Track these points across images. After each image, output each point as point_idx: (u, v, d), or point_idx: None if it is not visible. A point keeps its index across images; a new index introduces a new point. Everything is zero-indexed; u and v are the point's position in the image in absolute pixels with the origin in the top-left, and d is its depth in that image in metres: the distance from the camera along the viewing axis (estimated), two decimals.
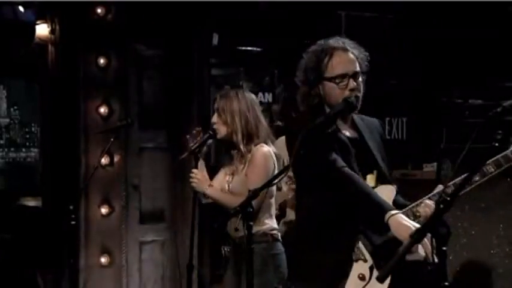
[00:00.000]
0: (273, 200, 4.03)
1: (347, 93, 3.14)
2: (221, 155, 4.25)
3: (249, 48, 6.01)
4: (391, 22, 5.38)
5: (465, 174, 2.62)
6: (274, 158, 3.98)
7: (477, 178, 2.99)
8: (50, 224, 5.62)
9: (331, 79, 3.15)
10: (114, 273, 5.53)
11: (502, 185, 4.65)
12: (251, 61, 6.21)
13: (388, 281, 2.96)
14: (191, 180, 3.96)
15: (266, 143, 3.99)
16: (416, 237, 2.28)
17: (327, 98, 3.20)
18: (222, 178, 4.07)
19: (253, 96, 4.15)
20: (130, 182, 5.56)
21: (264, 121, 4.08)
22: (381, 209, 2.98)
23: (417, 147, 5.86)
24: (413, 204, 3.09)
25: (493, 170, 3.01)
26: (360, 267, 3.06)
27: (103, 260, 5.52)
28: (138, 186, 5.59)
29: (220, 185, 4.07)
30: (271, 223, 4.01)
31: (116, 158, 5.52)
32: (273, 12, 5.69)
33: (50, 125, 5.81)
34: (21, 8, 5.87)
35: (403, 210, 3.06)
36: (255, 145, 3.94)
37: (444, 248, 2.45)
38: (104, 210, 5.52)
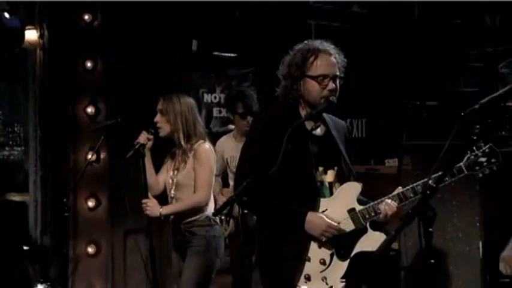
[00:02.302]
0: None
1: (326, 93, 3.48)
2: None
3: (223, 53, 6.41)
4: (355, 31, 5.90)
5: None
6: (214, 153, 4.56)
7: (447, 179, 3.29)
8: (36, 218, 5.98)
9: (314, 77, 3.47)
10: (101, 262, 5.93)
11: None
12: (224, 65, 6.67)
13: (345, 266, 3.41)
14: (144, 209, 4.48)
15: (204, 140, 4.52)
16: (406, 219, 2.70)
17: (305, 94, 3.51)
18: (165, 174, 4.60)
19: (192, 100, 4.67)
20: (116, 176, 5.95)
21: (201, 121, 4.64)
22: (294, 215, 3.40)
23: (377, 145, 6.37)
24: (375, 202, 3.45)
25: (447, 179, 3.30)
26: (322, 253, 3.42)
27: (90, 249, 5.91)
28: (123, 179, 5.97)
29: (164, 180, 4.60)
30: (211, 209, 4.56)
31: (102, 155, 5.90)
32: (247, 20, 6.14)
33: (38, 124, 6.13)
34: (6, 14, 6.18)
35: (365, 206, 3.45)
36: (195, 142, 4.47)
37: (430, 229, 2.78)
38: (90, 203, 5.91)
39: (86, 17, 5.90)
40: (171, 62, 6.04)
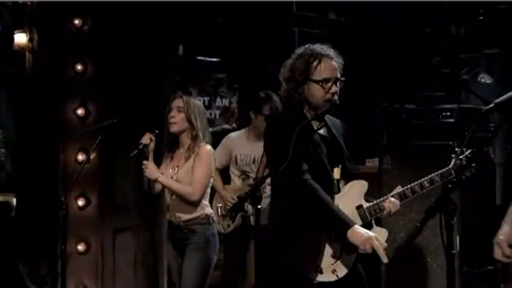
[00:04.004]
0: (209, 190, 4.79)
1: (329, 96, 3.66)
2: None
3: (207, 58, 6.65)
4: (336, 38, 6.22)
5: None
6: (214, 156, 4.79)
7: (427, 185, 3.73)
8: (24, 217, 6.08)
9: (317, 81, 3.64)
10: (91, 260, 6.07)
11: None
12: (204, 70, 6.91)
13: (353, 259, 3.64)
14: (143, 169, 4.65)
15: (208, 143, 4.76)
16: (430, 212, 2.92)
17: (309, 97, 3.67)
18: (165, 171, 4.77)
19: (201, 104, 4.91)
20: (106, 176, 6.13)
21: (208, 125, 4.87)
22: (342, 223, 3.51)
23: (355, 146, 6.69)
24: (379, 200, 3.71)
25: (438, 180, 3.73)
26: (333, 247, 3.61)
27: (79, 247, 6.04)
28: (112, 179, 6.16)
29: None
30: (209, 208, 4.80)
31: (92, 155, 6.05)
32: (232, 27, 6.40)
33: (26, 126, 6.24)
34: None
35: (372, 204, 3.70)
36: (201, 144, 4.69)
37: (452, 222, 2.96)
38: (80, 202, 6.04)
39: (76, 21, 6.05)
40: (159, 65, 6.23)
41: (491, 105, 3.09)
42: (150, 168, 4.63)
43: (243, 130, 5.79)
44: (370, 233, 3.52)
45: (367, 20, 6.62)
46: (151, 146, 4.71)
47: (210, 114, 7.32)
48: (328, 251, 3.63)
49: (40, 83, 6.07)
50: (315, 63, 3.67)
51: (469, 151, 3.60)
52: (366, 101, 6.63)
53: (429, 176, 3.75)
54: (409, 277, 5.63)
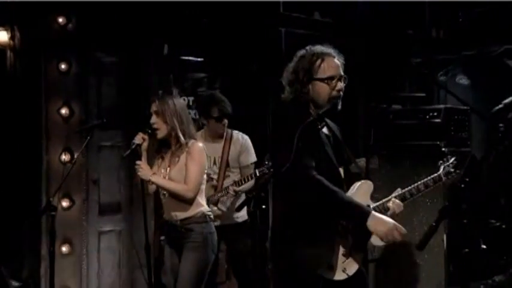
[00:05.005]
0: (203, 187, 4.77)
1: (335, 93, 3.69)
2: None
3: (191, 58, 6.61)
4: (322, 38, 6.25)
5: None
6: (205, 152, 4.75)
7: (423, 188, 3.85)
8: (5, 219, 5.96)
9: (323, 80, 3.67)
10: (75, 261, 5.98)
11: None
12: (187, 69, 6.87)
13: (361, 258, 3.70)
14: (136, 169, 4.60)
15: (196, 139, 4.73)
16: (444, 212, 3.00)
17: (315, 96, 3.69)
18: (157, 172, 4.72)
19: (183, 100, 4.89)
20: (91, 177, 6.05)
21: (191, 121, 4.83)
22: (360, 210, 3.56)
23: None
24: (384, 200, 3.77)
25: (431, 184, 3.87)
26: (344, 246, 3.65)
27: (64, 249, 5.94)
28: (97, 180, 6.09)
29: None
30: (206, 206, 4.77)
31: (76, 155, 5.96)
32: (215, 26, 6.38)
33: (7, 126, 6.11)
34: None
35: (378, 204, 3.75)
36: (189, 141, 4.66)
37: (465, 221, 3.12)
38: (64, 203, 5.94)
39: (60, 19, 5.95)
40: (144, 64, 6.18)
41: (501, 105, 3.18)
42: (143, 168, 4.59)
43: (199, 133, 5.77)
44: (391, 220, 3.58)
45: (351, 21, 6.67)
46: (144, 145, 4.66)
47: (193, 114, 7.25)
48: (340, 250, 3.66)
49: (22, 81, 5.96)
50: (318, 62, 3.70)
51: (453, 158, 3.90)
52: (348, 101, 6.66)
53: (423, 181, 3.87)
54: (396, 274, 5.68)
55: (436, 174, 3.89)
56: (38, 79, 5.94)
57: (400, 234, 3.56)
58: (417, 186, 3.86)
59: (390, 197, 3.80)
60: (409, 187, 3.85)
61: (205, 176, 4.77)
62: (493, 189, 5.89)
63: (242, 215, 5.58)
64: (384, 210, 3.74)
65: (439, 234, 5.49)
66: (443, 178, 3.88)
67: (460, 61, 7.28)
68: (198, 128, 5.60)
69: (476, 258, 5.28)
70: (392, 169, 5.70)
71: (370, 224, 3.53)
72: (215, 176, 5.60)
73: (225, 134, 5.62)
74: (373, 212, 3.57)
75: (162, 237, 5.09)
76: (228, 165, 5.58)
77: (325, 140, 3.74)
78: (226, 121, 5.55)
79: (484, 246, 3.19)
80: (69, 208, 5.97)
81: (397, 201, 3.78)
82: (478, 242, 5.53)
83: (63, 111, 5.97)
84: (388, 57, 7.03)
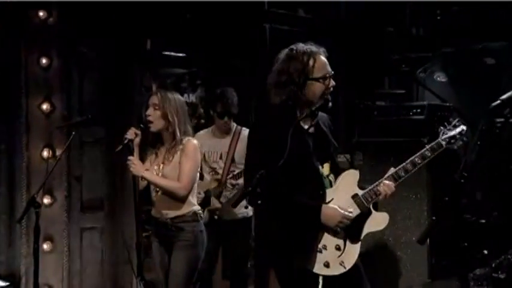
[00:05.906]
0: (196, 185, 4.71)
1: (327, 91, 3.72)
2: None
3: (173, 53, 6.57)
4: (306, 35, 6.28)
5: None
6: (199, 150, 4.70)
7: (419, 161, 3.75)
8: None
9: (318, 79, 3.68)
10: (57, 259, 5.90)
11: None
12: (169, 65, 6.83)
13: (358, 248, 3.71)
14: (129, 165, 4.49)
15: (191, 136, 4.68)
16: (444, 206, 3.01)
17: (310, 96, 3.71)
18: (150, 168, 4.64)
19: (181, 97, 4.81)
20: (73, 173, 5.97)
21: (189, 119, 4.77)
22: (313, 211, 3.60)
23: None
24: (374, 185, 3.75)
25: (429, 154, 3.76)
26: (336, 240, 3.67)
27: (45, 246, 5.85)
28: (79, 177, 6.01)
29: None
30: (197, 205, 4.73)
31: (58, 152, 5.88)
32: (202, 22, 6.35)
33: None
34: None
35: (366, 190, 3.74)
36: (184, 138, 4.60)
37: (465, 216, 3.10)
38: (46, 200, 5.84)
39: (41, 13, 5.86)
40: (126, 59, 6.12)
41: (498, 101, 3.20)
42: (135, 164, 4.50)
43: (210, 128, 5.80)
44: (341, 211, 3.64)
45: (333, 19, 6.70)
46: (137, 141, 4.57)
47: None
48: (331, 243, 3.66)
49: (2, 76, 5.85)
50: (311, 62, 3.70)
51: (456, 119, 3.76)
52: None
53: (420, 152, 3.78)
54: (380, 268, 5.72)
55: (434, 142, 3.78)
56: (19, 74, 5.84)
57: (348, 219, 3.64)
58: (412, 160, 3.78)
59: (382, 179, 3.78)
60: (403, 163, 3.79)
61: (198, 174, 4.71)
62: (469, 185, 5.96)
63: (242, 212, 5.56)
64: (374, 195, 3.74)
65: (421, 230, 5.61)
66: (444, 145, 3.76)
67: (439, 58, 7.34)
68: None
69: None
70: (376, 165, 5.73)
71: (323, 219, 3.61)
72: (220, 171, 5.60)
73: (233, 130, 5.63)
74: (323, 206, 3.62)
75: (144, 234, 5.07)
76: (233, 161, 5.58)
77: (308, 141, 3.73)
78: (227, 119, 5.56)
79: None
80: (50, 205, 5.89)
81: (387, 182, 3.75)
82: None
83: (45, 106, 5.88)
84: (368, 54, 7.08)
